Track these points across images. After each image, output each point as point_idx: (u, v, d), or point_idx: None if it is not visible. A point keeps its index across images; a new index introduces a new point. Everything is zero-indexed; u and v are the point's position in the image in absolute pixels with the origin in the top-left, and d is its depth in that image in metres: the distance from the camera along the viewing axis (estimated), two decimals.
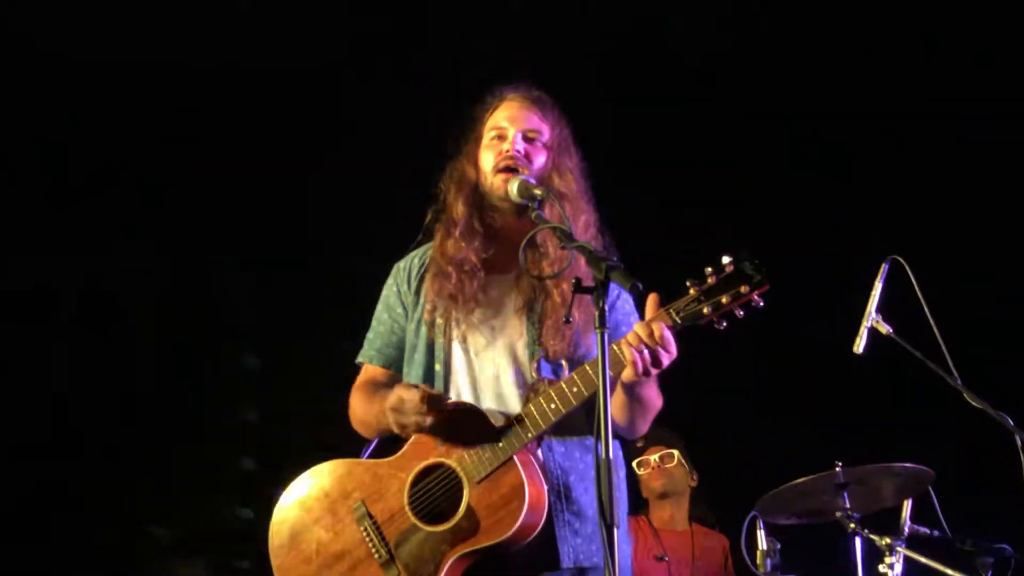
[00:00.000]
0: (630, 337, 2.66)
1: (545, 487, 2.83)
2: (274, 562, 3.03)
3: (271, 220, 6.25)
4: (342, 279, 5.80)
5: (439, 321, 3.06)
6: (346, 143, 6.03)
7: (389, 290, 3.23)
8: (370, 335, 3.23)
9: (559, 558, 2.86)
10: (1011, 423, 3.64)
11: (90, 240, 6.29)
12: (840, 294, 4.27)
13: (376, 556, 2.88)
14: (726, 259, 2.57)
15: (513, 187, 2.94)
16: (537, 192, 2.91)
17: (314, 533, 2.98)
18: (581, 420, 2.90)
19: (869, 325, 3.89)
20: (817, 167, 5.81)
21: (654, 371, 2.67)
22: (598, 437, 2.38)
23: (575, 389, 2.76)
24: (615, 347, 2.69)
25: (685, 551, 4.99)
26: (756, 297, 2.54)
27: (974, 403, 3.71)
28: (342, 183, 5.94)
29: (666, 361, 2.67)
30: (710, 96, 5.90)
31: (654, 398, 2.92)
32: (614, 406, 2.84)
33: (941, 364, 3.75)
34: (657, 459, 5.07)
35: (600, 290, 2.51)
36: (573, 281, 2.60)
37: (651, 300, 2.69)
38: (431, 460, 2.88)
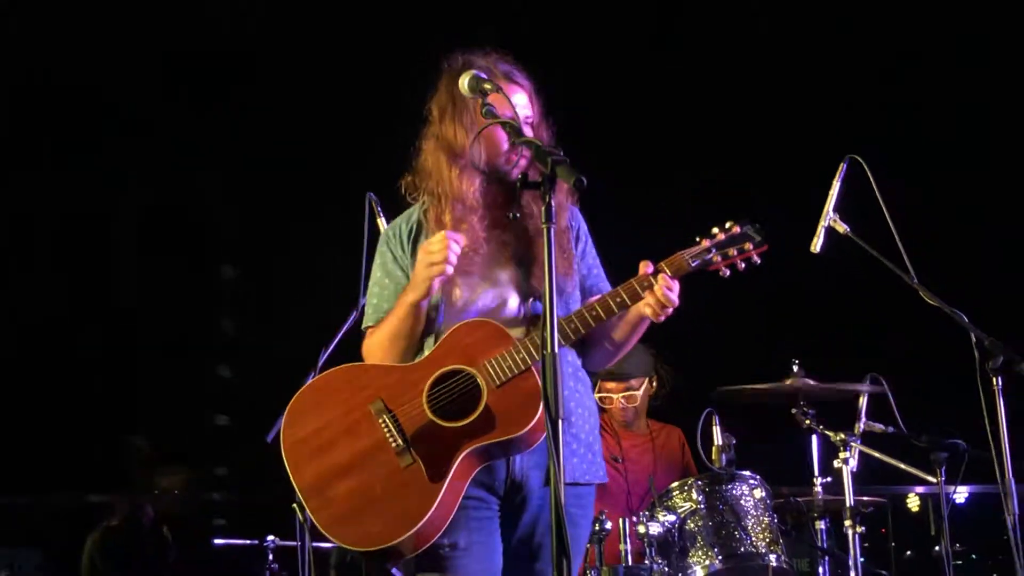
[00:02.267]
0: (657, 291, 2.94)
1: None
2: (286, 455, 3.00)
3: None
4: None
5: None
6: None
7: (384, 257, 3.24)
8: (374, 300, 3.21)
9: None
10: (965, 320, 3.65)
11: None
12: (799, 194, 4.29)
13: (393, 444, 2.93)
14: (729, 223, 2.96)
15: (464, 81, 2.97)
16: (487, 87, 2.94)
17: (329, 428, 2.99)
18: (571, 353, 3.11)
19: (827, 224, 3.91)
20: (775, 65, 5.78)
21: (666, 315, 2.99)
22: (543, 329, 2.47)
23: (594, 313, 2.96)
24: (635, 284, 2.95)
25: (645, 456, 5.00)
26: (756, 256, 2.96)
27: (930, 300, 3.75)
28: None
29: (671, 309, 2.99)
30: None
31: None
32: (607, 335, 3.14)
33: (898, 263, 3.78)
34: (621, 399, 4.95)
35: (546, 184, 2.57)
36: (519, 177, 2.69)
37: (642, 266, 2.96)
38: (450, 366, 2.96)
